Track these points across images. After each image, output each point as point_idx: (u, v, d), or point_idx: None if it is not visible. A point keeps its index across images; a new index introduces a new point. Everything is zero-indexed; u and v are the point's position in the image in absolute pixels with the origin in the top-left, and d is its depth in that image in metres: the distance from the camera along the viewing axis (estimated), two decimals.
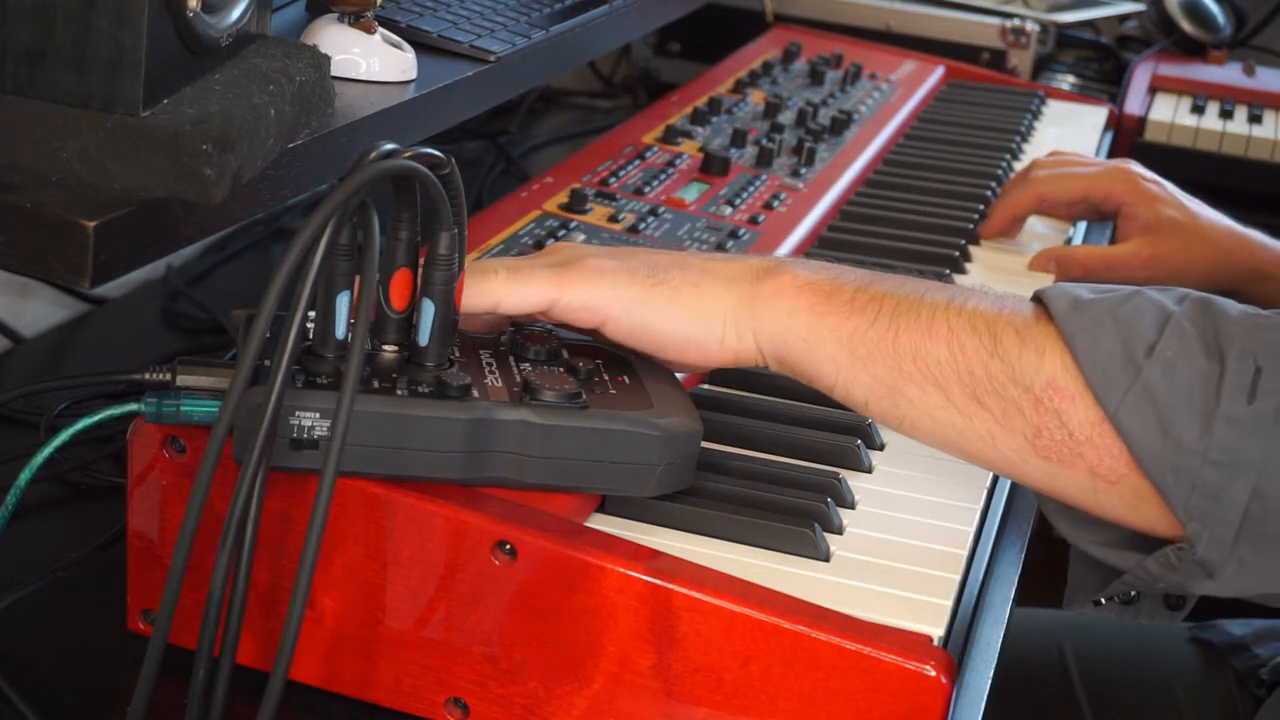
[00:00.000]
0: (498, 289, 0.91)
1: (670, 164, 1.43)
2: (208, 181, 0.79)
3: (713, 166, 1.43)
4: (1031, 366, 0.87)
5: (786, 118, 1.63)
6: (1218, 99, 2.07)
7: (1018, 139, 1.77)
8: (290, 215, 1.65)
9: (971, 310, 0.90)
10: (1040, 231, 1.49)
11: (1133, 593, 0.94)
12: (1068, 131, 1.87)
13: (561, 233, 1.21)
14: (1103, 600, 0.96)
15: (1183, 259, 1.40)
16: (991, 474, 1.02)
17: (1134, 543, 0.90)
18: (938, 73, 1.97)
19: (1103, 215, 1.48)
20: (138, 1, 0.78)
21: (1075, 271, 1.40)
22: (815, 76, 1.80)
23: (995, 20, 2.12)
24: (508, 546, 0.83)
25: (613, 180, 1.36)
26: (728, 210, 1.35)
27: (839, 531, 0.92)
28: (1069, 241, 1.51)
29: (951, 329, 0.89)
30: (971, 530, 0.95)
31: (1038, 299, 0.91)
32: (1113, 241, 1.46)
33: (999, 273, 1.40)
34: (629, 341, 0.93)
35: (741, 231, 1.30)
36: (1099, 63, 2.25)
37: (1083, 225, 1.55)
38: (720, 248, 1.26)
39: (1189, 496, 0.84)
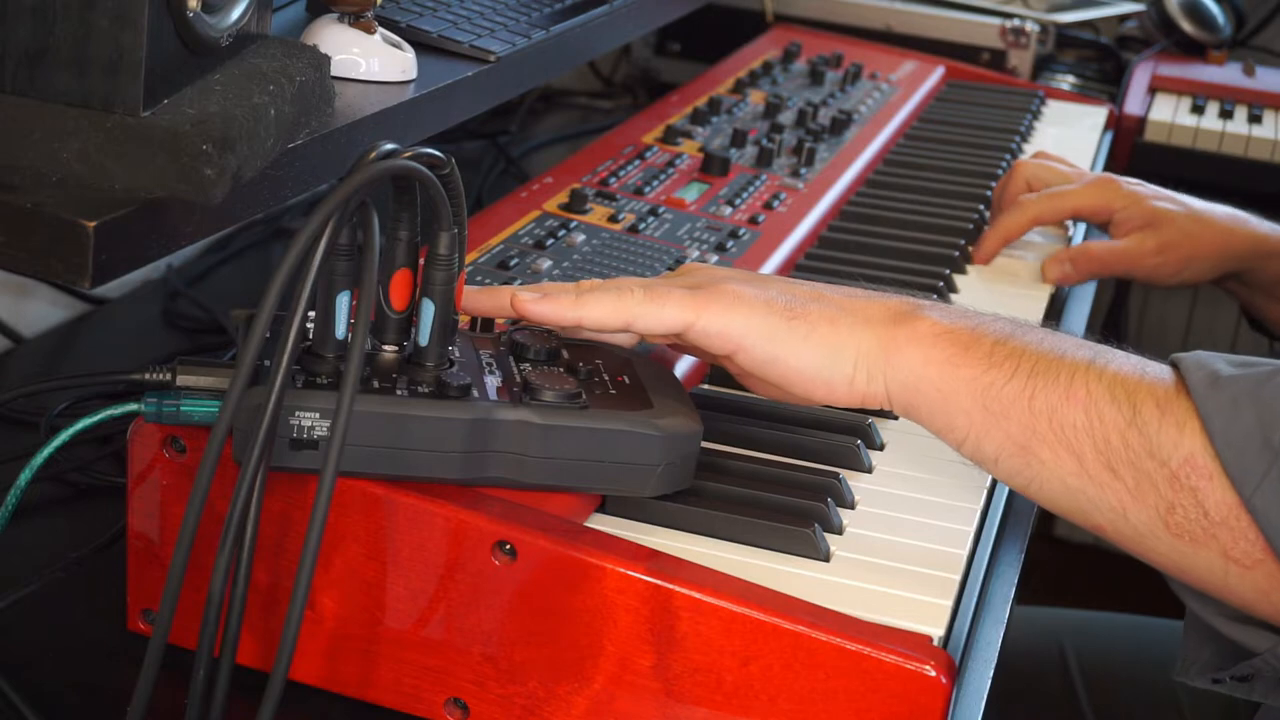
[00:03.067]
0: (634, 308, 0.91)
1: (670, 164, 1.43)
2: (208, 181, 0.79)
3: (713, 166, 1.43)
4: (1170, 441, 0.84)
5: (786, 118, 1.63)
6: (1217, 99, 2.07)
7: (1018, 139, 1.77)
8: (290, 215, 1.65)
9: (1112, 375, 0.87)
10: (1038, 242, 1.49)
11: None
12: (1068, 131, 1.87)
13: (561, 233, 1.21)
14: (1227, 679, 0.92)
15: (1189, 244, 1.40)
16: (992, 474, 1.02)
17: (1266, 622, 0.87)
18: (938, 73, 1.97)
19: (1095, 226, 1.48)
20: (138, 1, 0.78)
21: (1093, 267, 1.40)
22: (815, 76, 1.80)
23: (995, 20, 2.12)
24: (508, 546, 0.83)
25: (613, 180, 1.36)
26: (728, 210, 1.35)
27: (839, 531, 0.92)
28: (1069, 243, 1.51)
29: (1090, 394, 0.86)
30: (971, 530, 0.95)
31: (1175, 366, 0.88)
32: None
33: (999, 273, 1.40)
34: (758, 372, 0.93)
35: (741, 231, 1.30)
36: (1099, 63, 2.25)
37: (1081, 225, 1.55)
38: (720, 248, 1.26)
39: None
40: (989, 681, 0.86)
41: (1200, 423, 0.84)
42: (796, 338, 0.90)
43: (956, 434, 0.90)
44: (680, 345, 0.96)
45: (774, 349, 0.91)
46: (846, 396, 0.92)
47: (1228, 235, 1.41)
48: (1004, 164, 1.66)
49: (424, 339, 0.85)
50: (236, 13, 0.87)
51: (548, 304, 0.93)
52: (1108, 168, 1.83)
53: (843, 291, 0.94)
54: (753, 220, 1.33)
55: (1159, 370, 0.88)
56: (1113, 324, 2.05)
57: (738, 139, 1.51)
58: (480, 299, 0.96)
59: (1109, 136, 1.92)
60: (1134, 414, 0.85)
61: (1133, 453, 0.85)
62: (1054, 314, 1.37)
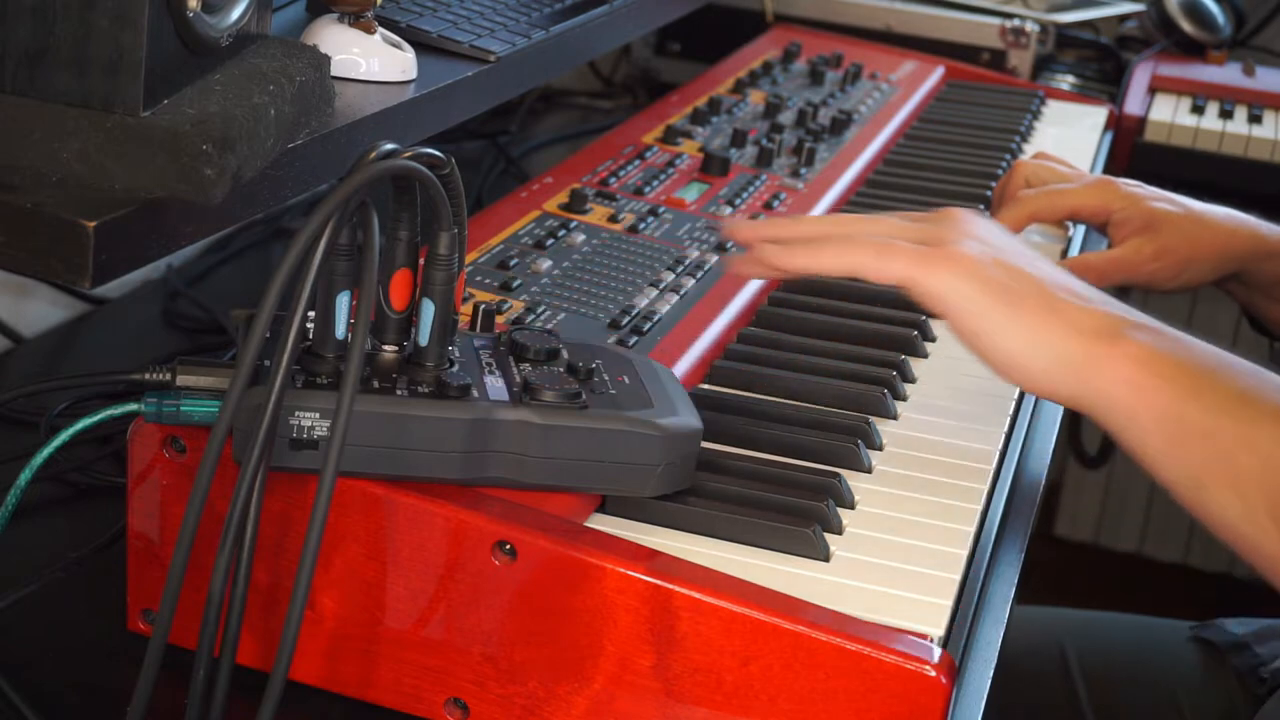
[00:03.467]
0: (863, 258, 0.97)
1: (670, 164, 1.43)
2: (208, 181, 0.79)
3: (713, 166, 1.43)
4: None
5: (786, 118, 1.63)
6: (1217, 99, 2.07)
7: (1018, 139, 1.77)
8: (290, 215, 1.65)
9: None
10: (1038, 242, 1.49)
11: None
12: (1067, 132, 1.87)
13: (561, 233, 1.21)
14: None
15: (1188, 247, 1.40)
16: (991, 474, 1.02)
17: None
18: (938, 73, 1.97)
19: (1094, 228, 1.48)
20: (138, 1, 0.78)
21: (1090, 277, 1.39)
22: (815, 76, 1.80)
23: (995, 20, 2.12)
24: (508, 546, 0.83)
25: (613, 180, 1.36)
26: (728, 210, 1.35)
27: (839, 531, 0.92)
28: (1069, 243, 1.51)
29: (1273, 440, 0.87)
30: (971, 530, 0.95)
31: None
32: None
33: None
34: (963, 340, 0.97)
35: None
36: (1099, 63, 2.25)
37: (1081, 227, 1.55)
38: (720, 248, 1.26)
39: None
40: (989, 681, 0.86)
41: None
42: (1004, 320, 0.94)
43: (1136, 451, 0.93)
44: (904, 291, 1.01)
45: (981, 325, 0.95)
46: (1036, 387, 0.96)
47: (1227, 236, 1.41)
48: (1004, 164, 1.66)
49: (424, 339, 0.85)
50: (236, 13, 0.87)
51: (786, 256, 1.00)
52: (1108, 168, 1.83)
53: (1064, 285, 0.97)
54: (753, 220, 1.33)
55: None
56: None
57: (738, 139, 1.51)
58: (741, 267, 1.04)
59: (1109, 136, 1.92)
60: None
61: None
62: None
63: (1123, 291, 2.06)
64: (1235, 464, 0.88)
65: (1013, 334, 0.94)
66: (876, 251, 0.97)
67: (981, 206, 1.51)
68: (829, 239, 1.00)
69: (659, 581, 0.81)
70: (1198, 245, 1.40)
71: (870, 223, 1.01)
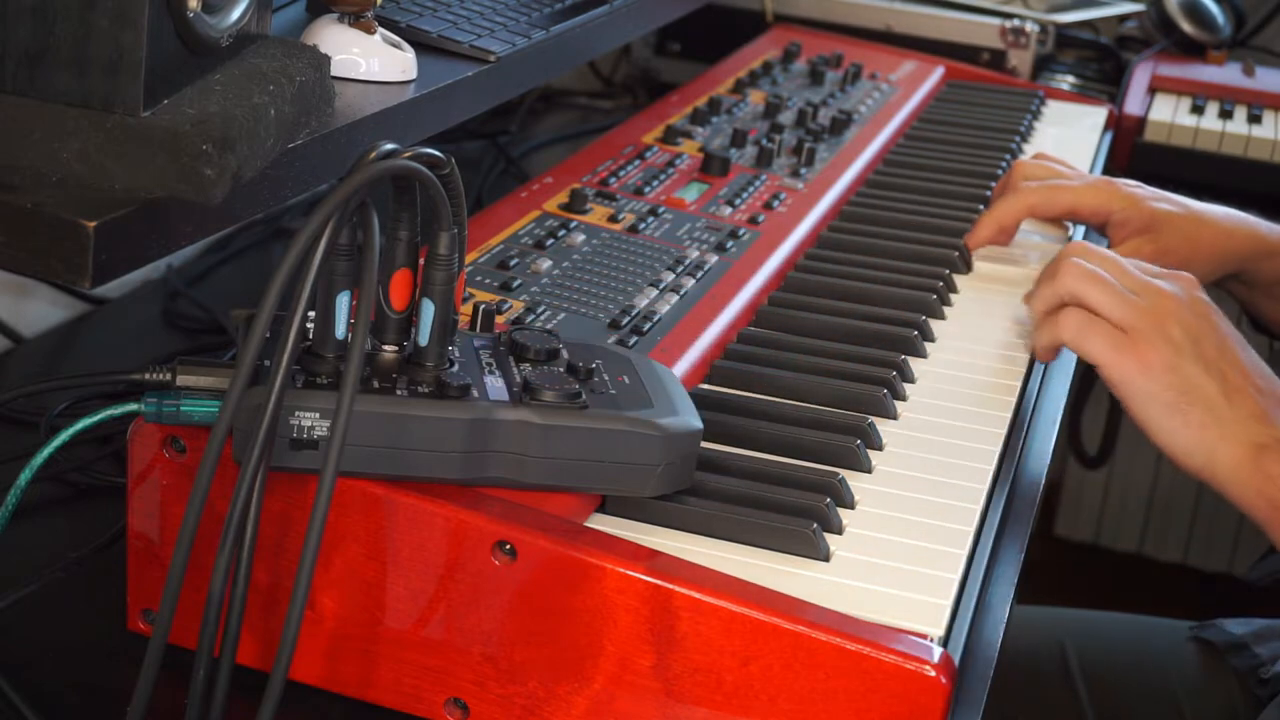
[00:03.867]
0: (1066, 332, 1.12)
1: (670, 164, 1.43)
2: (208, 181, 0.79)
3: (713, 166, 1.43)
4: None
5: (786, 118, 1.63)
6: (1217, 99, 2.07)
7: (1018, 139, 1.77)
8: (290, 215, 1.65)
9: None
10: (1038, 242, 1.49)
11: None
12: (1067, 132, 1.87)
13: (561, 233, 1.21)
14: None
15: (1188, 247, 1.39)
16: (991, 475, 1.02)
17: None
18: (937, 73, 1.97)
19: (1093, 228, 1.48)
20: (138, 1, 0.78)
21: None
22: (815, 76, 1.80)
23: (995, 20, 2.12)
24: (508, 546, 0.83)
25: (613, 180, 1.36)
26: (728, 210, 1.35)
27: (839, 531, 0.92)
28: (1069, 241, 1.50)
29: None
30: (971, 530, 0.95)
31: None
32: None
33: (998, 276, 1.40)
34: (1136, 423, 1.11)
35: (741, 231, 1.30)
36: (1099, 63, 2.25)
37: (1081, 227, 1.55)
38: (720, 248, 1.26)
39: None
40: (989, 681, 0.86)
41: None
42: (1170, 427, 1.08)
43: (1274, 541, 1.07)
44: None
45: (1150, 422, 1.09)
46: (1187, 470, 1.09)
47: (1227, 236, 1.41)
48: (1004, 164, 1.66)
49: (424, 339, 0.85)
50: (236, 13, 0.87)
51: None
52: (1107, 168, 1.83)
53: (1239, 387, 1.09)
54: (753, 220, 1.33)
55: None
56: None
57: (738, 139, 1.51)
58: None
59: (1109, 136, 1.92)
60: None
61: None
62: None
63: None
64: None
65: (1177, 440, 1.08)
66: (1079, 328, 1.11)
67: (981, 207, 1.51)
68: (1054, 300, 1.14)
69: (659, 581, 0.81)
70: (1198, 245, 1.40)
71: (1090, 282, 1.12)
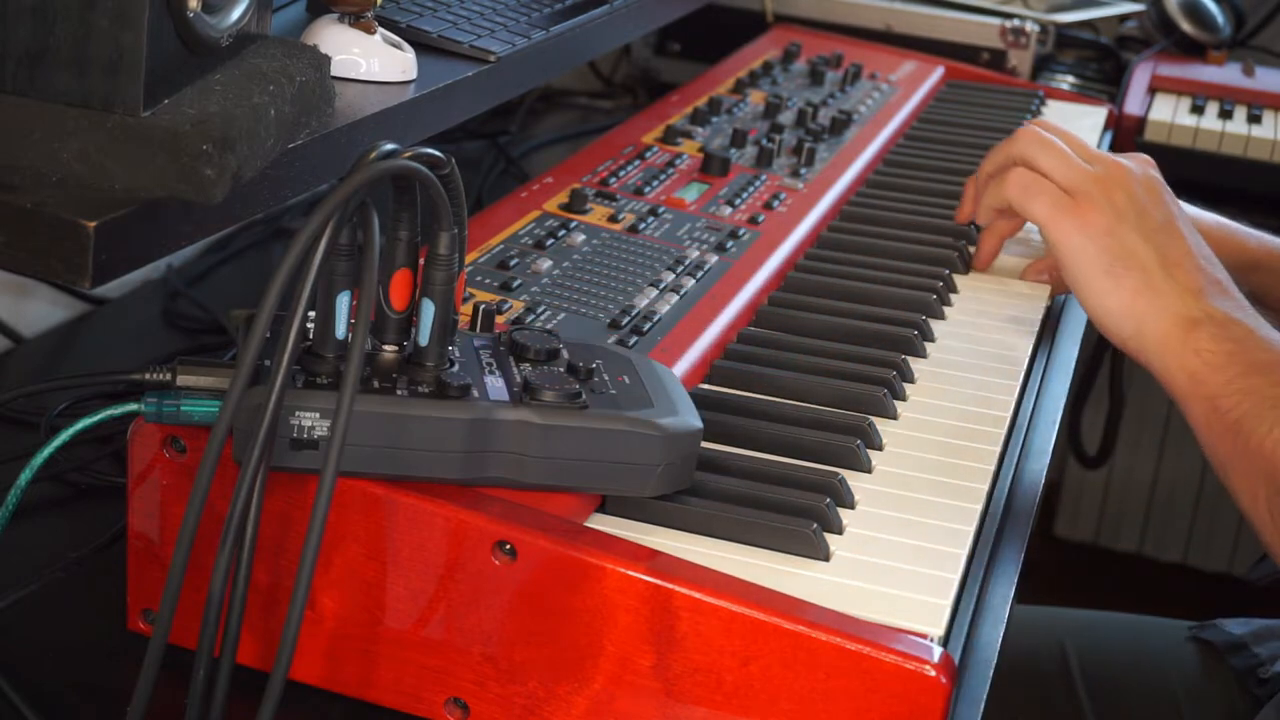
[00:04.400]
0: (1011, 191, 1.17)
1: (670, 164, 1.43)
2: (208, 181, 0.79)
3: (713, 166, 1.43)
4: None
5: (786, 118, 1.63)
6: (1217, 99, 2.07)
7: None
8: (290, 215, 1.65)
9: None
10: (1039, 241, 1.49)
11: None
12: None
13: (561, 233, 1.21)
14: None
15: None
16: (991, 474, 1.02)
17: None
18: (937, 73, 1.97)
19: None
20: (138, 1, 0.78)
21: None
22: (815, 76, 1.80)
23: (995, 20, 2.12)
24: (508, 546, 0.83)
25: (613, 180, 1.36)
26: (728, 210, 1.35)
27: (839, 531, 0.92)
28: None
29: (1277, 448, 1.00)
30: (971, 530, 0.95)
31: None
32: None
33: (998, 274, 1.40)
34: (1068, 284, 1.15)
35: (741, 231, 1.30)
36: (1099, 63, 2.25)
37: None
38: (720, 248, 1.26)
39: None
40: (989, 681, 0.86)
41: None
42: (1102, 290, 1.11)
43: (1189, 423, 1.08)
44: None
45: (1083, 284, 1.12)
46: (1118, 346, 1.12)
47: (1216, 248, 1.41)
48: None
49: (424, 339, 0.85)
50: (236, 13, 0.87)
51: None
52: None
53: (1176, 261, 1.11)
54: (753, 220, 1.33)
55: None
56: None
57: (738, 139, 1.51)
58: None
59: (1109, 136, 1.92)
60: None
61: None
62: (1053, 314, 1.37)
63: None
64: (1250, 462, 1.01)
65: (1107, 302, 1.10)
66: (1024, 188, 1.15)
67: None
68: (1009, 165, 1.19)
69: (659, 581, 0.81)
70: None
71: (1043, 146, 1.17)
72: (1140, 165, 1.18)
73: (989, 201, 1.19)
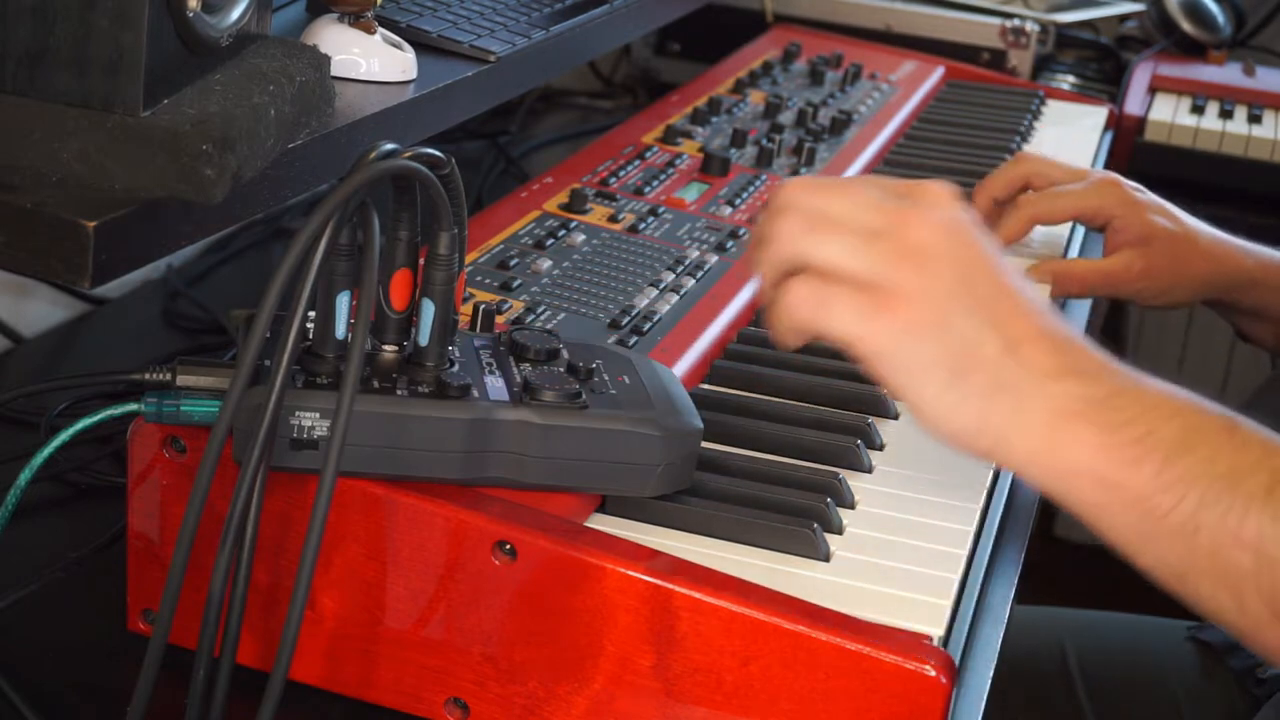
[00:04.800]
0: (799, 314, 0.82)
1: (670, 164, 1.43)
2: (208, 181, 0.79)
3: (713, 166, 1.43)
4: None
5: (786, 118, 1.63)
6: (1217, 99, 2.07)
7: (1018, 139, 1.77)
8: (290, 215, 1.65)
9: None
10: (1039, 242, 1.49)
11: None
12: (1067, 131, 1.87)
13: (561, 233, 1.21)
14: None
15: (1176, 268, 1.40)
16: (991, 474, 1.02)
17: None
18: (938, 73, 1.97)
19: (1091, 229, 1.48)
20: (138, 1, 0.78)
21: (1073, 288, 1.39)
22: (815, 76, 1.80)
23: (995, 20, 2.12)
24: (508, 546, 0.83)
25: (613, 180, 1.36)
26: (728, 210, 1.35)
27: (839, 531, 0.92)
28: (1069, 242, 1.50)
29: (1263, 536, 0.77)
30: (971, 530, 0.95)
31: None
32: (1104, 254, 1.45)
33: None
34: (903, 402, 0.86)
35: (741, 231, 1.30)
36: (1099, 63, 2.25)
37: (1080, 231, 1.54)
38: (720, 248, 1.26)
39: None
40: (989, 681, 0.86)
41: None
42: (945, 407, 0.82)
43: (1108, 538, 0.83)
44: None
45: (917, 406, 0.83)
46: (973, 454, 0.84)
47: (1213, 264, 1.41)
48: (1002, 164, 1.66)
49: (424, 339, 0.85)
50: (236, 13, 0.87)
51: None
52: (1108, 168, 1.82)
53: (1020, 337, 0.82)
54: (753, 220, 1.33)
55: None
56: (1112, 324, 2.05)
57: (738, 139, 1.51)
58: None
59: (1109, 136, 1.92)
60: None
61: None
62: None
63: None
64: (1223, 561, 0.78)
65: (955, 421, 0.82)
66: (816, 304, 0.82)
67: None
68: (778, 267, 0.85)
69: (659, 581, 0.81)
70: (1184, 268, 1.40)
71: (815, 233, 0.83)
72: (941, 207, 0.85)
73: (781, 329, 0.84)
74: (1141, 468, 0.79)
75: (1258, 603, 0.78)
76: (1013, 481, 1.06)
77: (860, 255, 0.82)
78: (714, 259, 1.23)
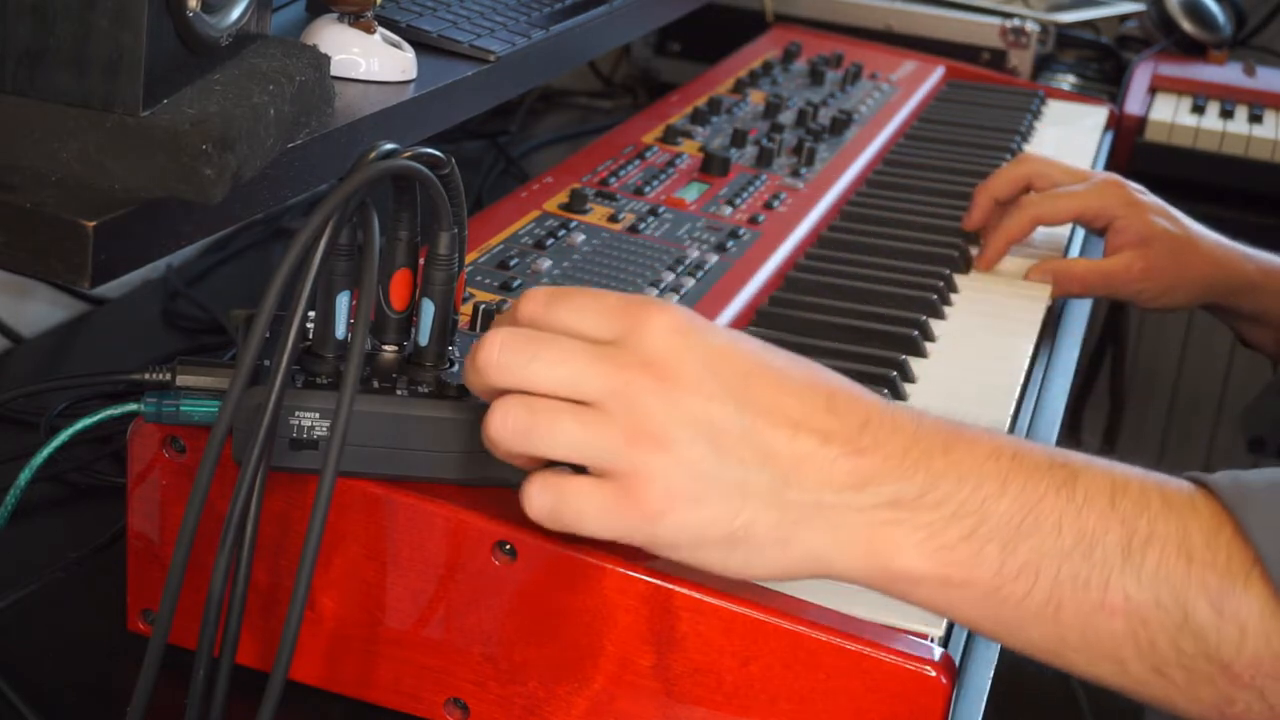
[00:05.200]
0: (535, 510, 0.76)
1: (670, 164, 1.43)
2: (208, 181, 0.79)
3: (713, 166, 1.43)
4: (1231, 644, 0.73)
5: (786, 118, 1.63)
6: (1218, 99, 2.07)
7: (1018, 139, 1.77)
8: (290, 215, 1.65)
9: (1153, 569, 0.73)
10: (1040, 242, 1.49)
11: None
12: (1068, 131, 1.87)
13: (561, 233, 1.21)
14: None
15: (1176, 270, 1.40)
16: None
17: None
18: (938, 73, 1.97)
19: (1093, 230, 1.48)
20: (138, 1, 0.78)
21: (1073, 287, 1.39)
22: (815, 76, 1.80)
23: (995, 20, 2.12)
24: (508, 546, 0.82)
25: (613, 180, 1.36)
26: (728, 210, 1.35)
27: None
28: (1069, 243, 1.50)
29: (1130, 600, 0.73)
30: None
31: (1243, 532, 0.74)
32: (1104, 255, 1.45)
33: (998, 275, 1.40)
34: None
35: (741, 231, 1.30)
36: (1099, 63, 2.25)
37: (1080, 231, 1.54)
38: (720, 248, 1.26)
39: None
40: (989, 681, 0.86)
41: (1273, 617, 0.72)
42: (739, 568, 0.76)
43: (969, 628, 0.80)
44: None
45: (715, 569, 0.77)
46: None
47: (1215, 267, 1.41)
48: (1004, 164, 1.66)
49: (424, 339, 0.85)
50: (236, 13, 0.87)
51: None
52: (1108, 168, 1.82)
53: (800, 455, 0.74)
54: (753, 220, 1.33)
55: (1207, 546, 0.74)
56: (1113, 325, 2.05)
57: (738, 139, 1.51)
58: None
59: (1109, 136, 1.92)
60: (1185, 618, 0.73)
61: (1185, 656, 0.73)
62: (1053, 314, 1.37)
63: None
64: (1094, 632, 0.74)
65: (763, 568, 0.76)
66: (553, 505, 0.75)
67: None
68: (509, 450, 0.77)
69: (659, 581, 0.81)
70: (1185, 271, 1.40)
71: (524, 421, 0.75)
72: (654, 317, 0.74)
73: (536, 517, 0.77)
74: (982, 563, 0.74)
75: (1139, 664, 0.74)
76: None
77: (585, 438, 0.74)
78: (714, 259, 1.23)
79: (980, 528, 0.74)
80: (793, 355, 0.77)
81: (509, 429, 0.75)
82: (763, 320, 1.21)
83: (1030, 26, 2.09)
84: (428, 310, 0.84)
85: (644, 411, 0.73)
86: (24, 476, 0.86)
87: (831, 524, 0.75)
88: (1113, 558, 0.74)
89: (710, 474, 0.74)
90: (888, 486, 0.74)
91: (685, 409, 0.73)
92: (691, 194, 1.37)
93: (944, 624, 0.84)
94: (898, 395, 1.11)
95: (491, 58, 1.17)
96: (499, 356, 0.75)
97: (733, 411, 0.74)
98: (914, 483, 0.75)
